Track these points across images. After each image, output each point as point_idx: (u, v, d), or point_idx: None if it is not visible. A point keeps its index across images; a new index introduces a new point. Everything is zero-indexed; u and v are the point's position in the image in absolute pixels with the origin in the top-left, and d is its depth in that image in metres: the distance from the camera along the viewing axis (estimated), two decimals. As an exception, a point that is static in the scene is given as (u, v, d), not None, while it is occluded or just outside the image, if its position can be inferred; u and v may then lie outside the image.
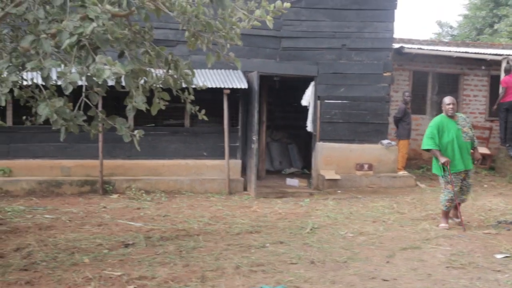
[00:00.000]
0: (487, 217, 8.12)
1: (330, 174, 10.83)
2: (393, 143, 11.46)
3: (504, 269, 5.59)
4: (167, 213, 8.16)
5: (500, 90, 12.99)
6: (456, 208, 7.53)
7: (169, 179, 10.19)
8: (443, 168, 7.30)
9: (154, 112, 5.37)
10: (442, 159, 7.22)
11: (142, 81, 5.19)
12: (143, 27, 5.48)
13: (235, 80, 10.35)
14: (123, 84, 4.76)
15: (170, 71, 5.56)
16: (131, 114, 4.91)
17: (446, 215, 7.51)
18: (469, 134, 7.38)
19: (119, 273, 5.22)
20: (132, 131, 5.00)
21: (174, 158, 10.52)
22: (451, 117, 7.37)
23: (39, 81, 4.65)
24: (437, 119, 7.47)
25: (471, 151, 7.47)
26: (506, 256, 6.04)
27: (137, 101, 4.92)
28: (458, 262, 5.80)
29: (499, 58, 13.37)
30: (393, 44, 11.90)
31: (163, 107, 5.41)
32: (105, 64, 4.10)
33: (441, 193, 7.53)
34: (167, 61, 5.50)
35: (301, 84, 11.55)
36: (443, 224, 7.44)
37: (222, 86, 10.06)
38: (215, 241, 6.60)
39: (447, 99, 7.43)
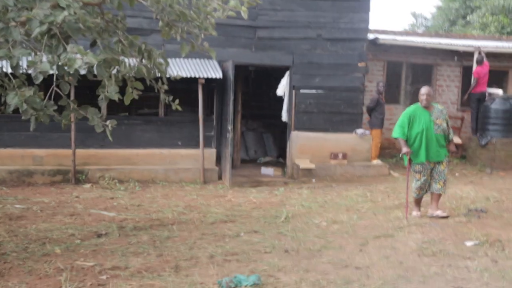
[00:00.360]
0: (458, 205, 8.26)
1: (304, 163, 10.89)
2: (367, 132, 11.57)
3: (473, 256, 5.71)
4: (141, 203, 8.12)
5: (472, 80, 13.19)
6: (434, 200, 7.52)
7: (143, 169, 10.13)
8: (409, 158, 7.37)
9: (127, 101, 5.32)
10: (403, 150, 7.28)
11: (114, 71, 5.13)
12: (116, 15, 5.42)
13: (210, 70, 10.30)
14: (95, 73, 4.72)
15: (143, 60, 5.51)
16: (103, 104, 4.87)
17: (417, 202, 7.60)
18: (441, 126, 7.32)
19: (91, 264, 5.18)
20: (104, 121, 4.96)
21: (148, 147, 10.45)
22: (426, 107, 7.33)
23: (9, 70, 4.56)
24: (411, 108, 7.47)
25: (447, 143, 7.47)
26: (476, 244, 6.16)
27: (110, 91, 4.88)
28: (429, 250, 5.89)
29: (471, 49, 13.56)
30: (368, 35, 11.98)
31: (136, 97, 5.37)
32: (77, 54, 4.05)
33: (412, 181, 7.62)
34: (140, 51, 5.44)
35: (277, 73, 11.56)
36: (414, 212, 7.54)
37: (197, 76, 10.01)
38: (189, 230, 6.60)
39: (423, 89, 7.37)
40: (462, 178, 11.01)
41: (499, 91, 13.37)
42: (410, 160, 7.37)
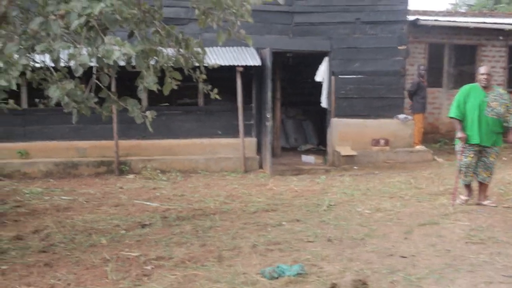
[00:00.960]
0: (507, 191, 8.01)
1: (346, 150, 10.74)
2: (410, 117, 11.32)
3: (524, 244, 5.51)
4: (183, 193, 8.18)
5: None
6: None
7: (184, 159, 10.19)
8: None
9: (166, 92, 5.32)
10: (458, 134, 7.00)
11: (153, 61, 5.14)
12: (153, 5, 5.41)
13: (248, 57, 10.24)
14: (134, 64, 4.73)
15: (181, 50, 5.50)
16: (142, 95, 4.88)
17: (466, 187, 7.26)
18: (496, 110, 6.87)
19: (136, 254, 5.23)
20: (144, 111, 4.97)
21: (189, 137, 10.50)
22: (485, 87, 6.95)
23: (50, 64, 4.61)
24: (467, 87, 7.14)
25: (504, 131, 7.00)
26: (526, 230, 5.95)
27: (148, 82, 4.88)
28: (477, 237, 5.71)
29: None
30: (408, 16, 11.68)
31: (175, 87, 5.36)
32: (115, 45, 4.05)
33: None
34: (177, 40, 5.43)
35: (315, 59, 11.40)
36: (462, 196, 7.28)
37: (235, 64, 9.96)
38: (231, 220, 6.59)
39: (482, 69, 7.06)
40: (511, 163, 10.65)
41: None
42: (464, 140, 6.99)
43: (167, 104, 10.68)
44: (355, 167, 10.41)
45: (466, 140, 6.96)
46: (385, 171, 10.00)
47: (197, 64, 5.63)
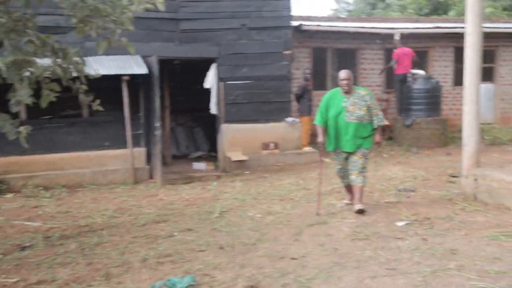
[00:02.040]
0: (388, 186, 8.44)
1: (236, 156, 10.81)
2: (297, 120, 11.62)
3: (405, 236, 5.82)
4: (68, 209, 7.78)
5: (392, 61, 13.59)
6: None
7: (69, 173, 9.71)
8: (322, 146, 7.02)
9: (43, 104, 5.05)
10: (317, 138, 6.98)
11: (27, 73, 4.85)
12: (25, 13, 5.10)
13: (133, 66, 9.99)
14: (5, 76, 4.43)
15: (58, 60, 5.23)
16: (15, 109, 4.59)
17: (346, 190, 7.31)
18: (356, 114, 6.75)
19: (14, 280, 4.87)
20: (19, 126, 4.68)
21: (74, 150, 10.01)
22: (347, 92, 6.84)
23: None
24: (329, 93, 7.08)
25: (369, 133, 6.88)
26: (406, 223, 6.29)
27: (22, 95, 4.61)
28: (362, 234, 5.95)
29: (392, 32, 13.90)
30: (292, 22, 12.00)
31: (54, 99, 5.09)
32: (-21, 57, 3.76)
33: None
34: (54, 50, 5.16)
35: (203, 66, 11.38)
36: (345, 200, 7.38)
37: (120, 73, 9.67)
38: (120, 234, 6.36)
39: (341, 74, 6.85)
40: (390, 159, 11.28)
41: (421, 72, 13.78)
42: (323, 148, 7.04)
43: (49, 116, 10.15)
44: (246, 172, 10.50)
45: (325, 146, 6.97)
46: (275, 174, 10.18)
47: (76, 75, 5.39)
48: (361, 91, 6.91)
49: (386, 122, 6.81)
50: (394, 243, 5.59)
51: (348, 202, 7.25)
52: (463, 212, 6.73)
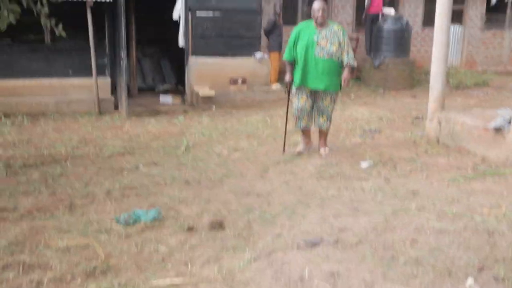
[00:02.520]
0: (354, 127, 8.51)
1: (204, 90, 10.66)
2: (266, 56, 11.46)
3: (368, 177, 5.93)
4: (30, 138, 7.60)
5: (366, 0, 13.41)
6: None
7: (31, 101, 9.43)
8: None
9: (2, 26, 4.82)
10: (286, 77, 6.63)
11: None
12: None
13: (98, -9, 9.55)
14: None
15: (18, -19, 4.96)
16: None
17: (302, 134, 6.90)
18: (326, 49, 6.31)
19: (-25, 208, 4.80)
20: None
21: (36, 77, 9.68)
22: (320, 25, 6.35)
23: None
24: (300, 25, 6.62)
25: (339, 70, 6.46)
26: (370, 164, 6.39)
27: (-21, 16, 4.36)
28: (327, 173, 6.04)
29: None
30: (264, -47, 11.61)
31: (14, 21, 4.86)
32: None
33: None
34: (13, -30, 4.88)
35: (172, -5, 10.99)
36: (299, 147, 6.92)
37: (84, -2, 9.25)
38: (84, 165, 6.28)
39: (316, 4, 6.32)
40: (357, 100, 11.33)
41: (391, 11, 13.66)
42: (290, 87, 6.66)
43: (9, 40, 9.72)
44: (213, 107, 10.40)
45: (295, 83, 6.55)
46: (243, 110, 10.11)
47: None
48: (334, 26, 6.43)
49: (354, 63, 6.38)
50: (358, 183, 5.69)
51: (301, 150, 6.82)
52: (426, 155, 6.87)
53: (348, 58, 6.38)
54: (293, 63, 6.56)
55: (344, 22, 14.47)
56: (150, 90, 12.25)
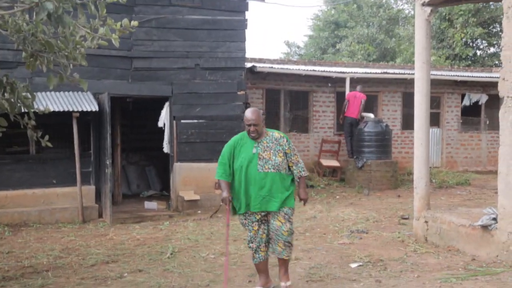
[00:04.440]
0: (341, 228, 8.47)
1: (189, 195, 10.66)
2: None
3: (359, 278, 5.80)
4: (11, 249, 7.42)
5: (344, 102, 13.90)
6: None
7: (13, 211, 9.33)
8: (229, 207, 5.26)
9: (-11, 139, 4.84)
10: (222, 193, 5.21)
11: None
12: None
13: (84, 103, 9.81)
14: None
15: (5, 94, 5.06)
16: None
17: (258, 270, 5.42)
18: (271, 162, 5.15)
19: (-50, 326, 4.57)
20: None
21: (19, 188, 9.67)
22: (255, 138, 5.24)
23: None
24: (232, 140, 5.38)
25: (291, 186, 5.30)
26: (360, 265, 6.29)
27: (-34, 129, 4.41)
28: (317, 275, 5.91)
29: (343, 75, 14.28)
30: (246, 63, 12.12)
31: (0, 134, 4.90)
32: None
33: None
34: (1, 84, 5.00)
35: (157, 104, 11.30)
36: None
37: (70, 109, 9.47)
38: (66, 275, 6.09)
39: (248, 114, 5.21)
40: (343, 200, 11.37)
41: (371, 115, 14.13)
42: (229, 207, 5.26)
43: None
44: (199, 211, 10.35)
45: (239, 210, 5.26)
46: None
47: (25, 110, 5.23)
48: (275, 133, 5.33)
49: (307, 174, 5.36)
50: (349, 285, 5.56)
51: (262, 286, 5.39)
52: (415, 254, 6.80)
53: (299, 169, 5.30)
54: (229, 182, 5.26)
55: (326, 126, 14.91)
56: (135, 196, 12.22)
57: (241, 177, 5.16)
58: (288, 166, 5.27)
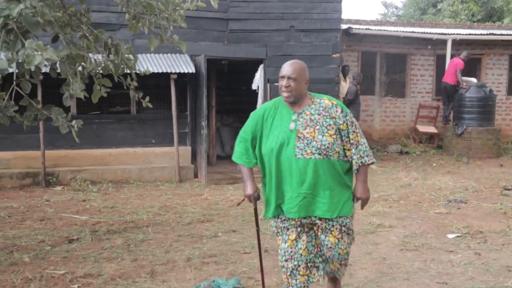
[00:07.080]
0: (437, 196, 8.18)
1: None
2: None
3: (456, 249, 5.60)
4: (115, 205, 7.83)
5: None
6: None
7: (116, 169, 9.81)
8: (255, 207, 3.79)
9: (95, 100, 5.05)
10: (246, 189, 3.68)
11: (79, 67, 4.87)
12: (80, 9, 5.14)
13: (182, 65, 10.03)
14: (59, 70, 4.45)
15: (110, 56, 5.25)
16: (68, 103, 4.60)
17: None
18: (315, 143, 3.42)
19: (62, 272, 4.91)
20: (71, 120, 4.69)
21: (121, 146, 10.13)
22: (292, 103, 3.55)
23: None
24: (266, 105, 3.70)
25: (346, 180, 3.53)
26: (458, 236, 6.06)
27: (75, 89, 4.61)
28: (411, 244, 5.77)
29: (444, 37, 13.53)
30: (341, 25, 11.81)
31: (105, 94, 5.10)
32: (36, 50, 3.77)
33: None
34: (106, 46, 5.17)
35: (251, 67, 11.32)
36: None
37: (168, 71, 9.72)
38: (165, 232, 6.35)
39: (285, 64, 3.62)
40: (440, 168, 10.95)
41: (473, 79, 13.38)
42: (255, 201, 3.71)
43: (98, 112, 10.29)
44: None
45: (267, 213, 3.63)
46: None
47: (128, 71, 5.40)
48: (324, 100, 3.59)
49: (372, 160, 3.51)
50: (445, 256, 5.38)
51: None
52: (519, 227, 6.44)
53: (360, 153, 3.52)
54: (251, 169, 3.69)
55: (424, 91, 14.32)
56: (228, 158, 12.42)
57: (272, 165, 3.50)
58: (344, 150, 3.53)
